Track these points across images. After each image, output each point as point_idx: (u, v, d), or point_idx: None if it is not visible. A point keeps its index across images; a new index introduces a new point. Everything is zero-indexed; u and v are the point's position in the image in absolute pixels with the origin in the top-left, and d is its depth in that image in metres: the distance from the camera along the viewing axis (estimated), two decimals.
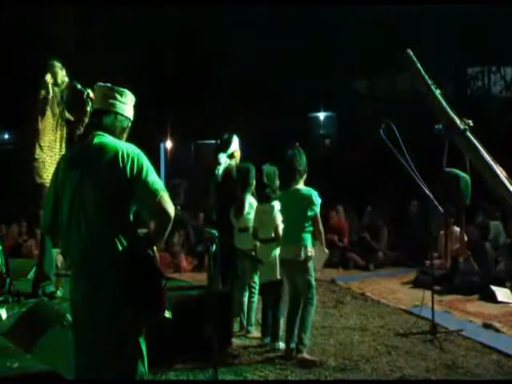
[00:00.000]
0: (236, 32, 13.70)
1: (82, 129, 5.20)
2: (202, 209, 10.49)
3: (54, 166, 4.74)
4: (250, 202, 5.46)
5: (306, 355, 4.74)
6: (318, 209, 4.81)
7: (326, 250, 4.98)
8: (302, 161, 4.91)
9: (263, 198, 5.32)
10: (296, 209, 4.86)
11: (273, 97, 14.28)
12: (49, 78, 5.08)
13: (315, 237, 4.86)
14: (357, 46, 12.99)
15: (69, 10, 12.91)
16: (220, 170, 5.60)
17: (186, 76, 14.43)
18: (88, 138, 2.85)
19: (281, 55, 13.76)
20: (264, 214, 5.25)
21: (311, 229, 4.83)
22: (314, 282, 4.85)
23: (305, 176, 4.94)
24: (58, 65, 5.19)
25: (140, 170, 2.72)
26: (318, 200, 4.81)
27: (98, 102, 2.96)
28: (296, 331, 4.84)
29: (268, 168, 5.33)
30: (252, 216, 5.44)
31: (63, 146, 5.21)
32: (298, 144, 5.31)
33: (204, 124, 14.32)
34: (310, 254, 4.78)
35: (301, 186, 4.91)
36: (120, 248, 2.69)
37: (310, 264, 4.80)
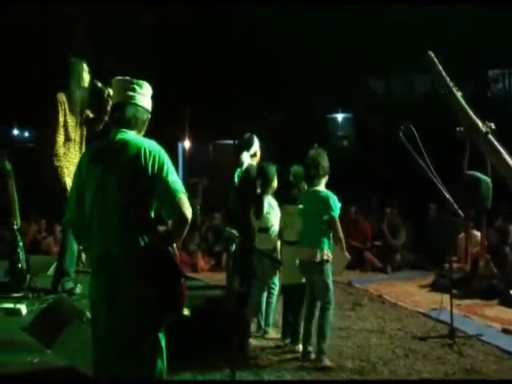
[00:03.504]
0: (252, 30, 13.69)
1: (100, 127, 5.25)
2: (219, 208, 10.51)
3: (75, 163, 4.82)
4: (269, 202, 5.46)
5: (327, 363, 4.67)
6: (335, 213, 4.70)
7: (347, 255, 4.88)
8: (326, 159, 4.85)
9: (289, 199, 5.28)
10: (313, 211, 4.80)
11: (290, 98, 14.27)
12: (61, 97, 5.08)
13: (335, 241, 4.76)
14: (375, 46, 12.94)
15: (85, 9, 13.00)
16: (242, 169, 5.55)
17: (203, 76, 14.47)
18: (111, 135, 2.88)
19: (299, 56, 13.74)
20: (290, 215, 5.20)
21: (329, 232, 4.74)
22: (331, 286, 4.78)
23: (327, 177, 4.87)
24: (83, 66, 5.21)
25: (161, 167, 2.75)
26: (335, 204, 4.71)
27: (117, 96, 2.97)
28: (314, 337, 4.79)
29: (295, 169, 5.32)
30: (271, 216, 5.43)
31: (83, 143, 5.25)
32: (317, 145, 5.30)
33: (222, 124, 14.35)
34: (326, 257, 4.69)
35: (321, 187, 4.84)
36: (141, 244, 2.71)
37: (327, 266, 4.72)
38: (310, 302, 4.93)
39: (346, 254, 4.87)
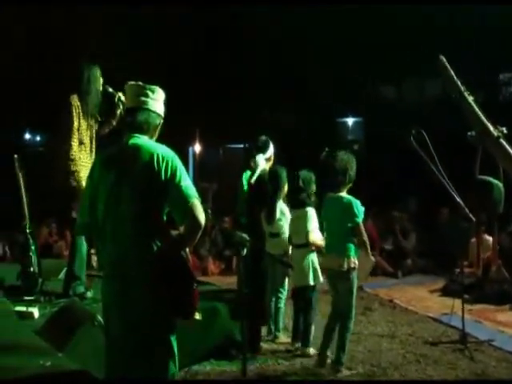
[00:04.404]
0: (261, 35, 13.70)
1: (107, 130, 5.29)
2: (229, 212, 10.52)
3: (87, 166, 4.86)
4: (281, 208, 5.45)
5: (345, 372, 4.64)
6: (359, 219, 4.62)
7: (372, 258, 4.83)
8: (354, 167, 4.76)
9: (298, 204, 5.27)
10: (337, 218, 4.72)
11: (300, 101, 14.27)
12: (74, 100, 5.10)
13: (359, 245, 4.70)
14: (386, 49, 12.91)
15: (96, 12, 13.06)
16: (256, 173, 5.51)
17: (213, 80, 14.51)
18: (123, 140, 2.89)
19: (308, 60, 13.74)
20: (298, 219, 5.20)
21: (354, 238, 4.67)
22: (355, 293, 4.74)
23: (350, 184, 4.78)
24: (97, 71, 5.24)
25: (174, 173, 2.76)
26: (359, 209, 4.63)
27: (130, 101, 2.99)
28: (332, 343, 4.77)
29: (304, 173, 5.28)
30: (282, 222, 5.43)
31: (93, 145, 5.28)
32: (327, 149, 5.28)
33: (232, 128, 14.37)
34: (352, 264, 4.63)
35: (344, 193, 4.75)
36: (154, 249, 2.73)
37: (354, 274, 4.66)
38: (333, 311, 4.84)
39: (371, 257, 4.81)
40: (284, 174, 5.49)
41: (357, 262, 4.66)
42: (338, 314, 4.79)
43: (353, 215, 4.63)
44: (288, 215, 5.46)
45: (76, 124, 5.06)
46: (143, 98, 2.91)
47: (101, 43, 12.72)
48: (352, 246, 4.67)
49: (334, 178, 4.75)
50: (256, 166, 5.49)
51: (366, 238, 4.69)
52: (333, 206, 4.81)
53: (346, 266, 4.62)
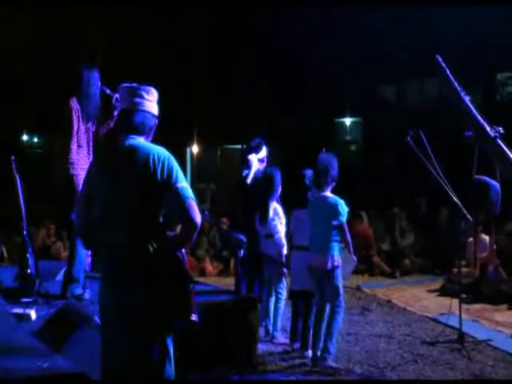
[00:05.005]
0: (259, 34, 13.71)
1: (104, 131, 5.29)
2: (226, 213, 10.52)
3: (85, 168, 4.85)
4: (275, 209, 5.43)
5: (331, 363, 4.69)
6: (343, 218, 4.72)
7: (354, 258, 4.91)
8: (335, 167, 4.83)
9: (300, 203, 5.24)
10: (322, 217, 4.79)
11: (298, 102, 14.28)
12: (75, 103, 5.09)
13: (343, 244, 4.79)
14: (385, 51, 12.93)
15: (96, 12, 13.04)
16: (251, 173, 5.54)
17: (212, 80, 14.52)
18: (119, 141, 2.89)
19: (307, 60, 13.76)
20: (300, 220, 5.17)
21: (338, 238, 4.76)
22: (341, 290, 4.79)
23: (334, 183, 4.86)
24: (97, 74, 5.23)
25: (170, 174, 2.75)
26: (343, 209, 4.72)
27: (124, 103, 2.96)
28: (322, 338, 4.81)
29: (310, 173, 5.26)
30: (276, 222, 5.42)
31: (91, 148, 5.28)
32: (324, 150, 5.29)
33: (230, 128, 14.38)
34: (336, 263, 4.70)
35: (328, 193, 4.83)
36: (150, 249, 2.73)
37: (338, 271, 4.73)
38: (319, 307, 4.92)
39: (354, 257, 4.88)
40: (278, 175, 5.49)
41: (340, 261, 4.73)
42: (323, 311, 4.85)
43: (337, 214, 4.71)
44: (282, 216, 5.46)
45: (76, 127, 5.07)
46: (137, 99, 2.90)
47: (100, 44, 12.72)
48: (336, 245, 4.75)
49: (316, 179, 4.86)
50: (249, 165, 5.52)
51: (349, 237, 4.79)
52: (317, 206, 4.88)
53: (329, 264, 4.69)
